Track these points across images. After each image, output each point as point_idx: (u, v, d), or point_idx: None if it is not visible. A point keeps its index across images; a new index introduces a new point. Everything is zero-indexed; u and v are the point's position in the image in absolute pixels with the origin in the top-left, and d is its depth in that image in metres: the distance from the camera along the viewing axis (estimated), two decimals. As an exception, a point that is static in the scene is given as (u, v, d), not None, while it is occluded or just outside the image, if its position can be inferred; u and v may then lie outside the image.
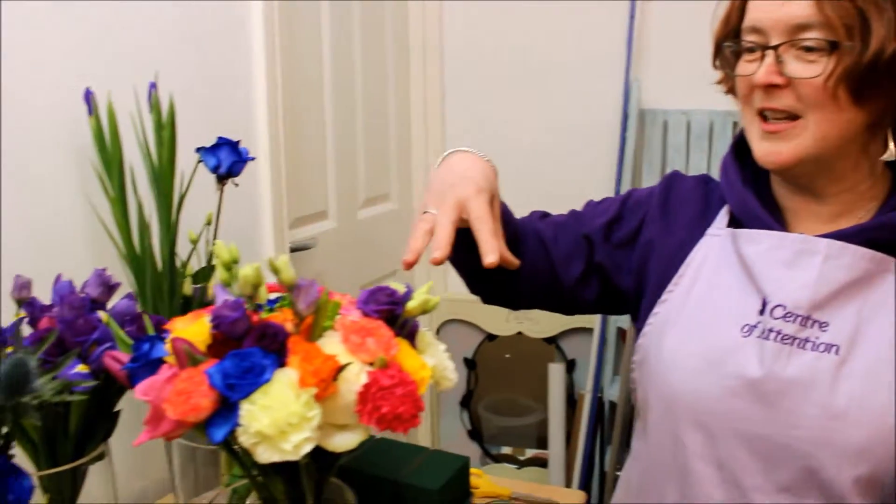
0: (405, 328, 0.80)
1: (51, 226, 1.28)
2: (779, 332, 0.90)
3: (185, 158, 1.27)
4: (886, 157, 0.93)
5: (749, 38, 0.92)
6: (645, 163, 2.59)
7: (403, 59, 2.68)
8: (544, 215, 1.19)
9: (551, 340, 2.79)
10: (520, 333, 2.79)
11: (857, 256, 0.89)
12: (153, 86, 1.25)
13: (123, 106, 1.27)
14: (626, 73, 2.55)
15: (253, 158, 1.24)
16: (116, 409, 1.01)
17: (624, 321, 2.55)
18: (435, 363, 0.80)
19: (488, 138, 2.70)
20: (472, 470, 1.44)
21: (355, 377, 0.71)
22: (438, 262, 0.85)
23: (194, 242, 1.27)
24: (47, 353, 0.88)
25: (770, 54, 0.89)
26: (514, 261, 0.95)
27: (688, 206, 1.08)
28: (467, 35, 2.77)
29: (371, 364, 0.73)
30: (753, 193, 0.98)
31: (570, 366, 2.79)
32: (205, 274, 1.30)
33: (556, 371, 2.69)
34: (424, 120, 2.78)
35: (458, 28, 2.77)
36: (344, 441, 0.72)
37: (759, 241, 0.95)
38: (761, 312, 0.92)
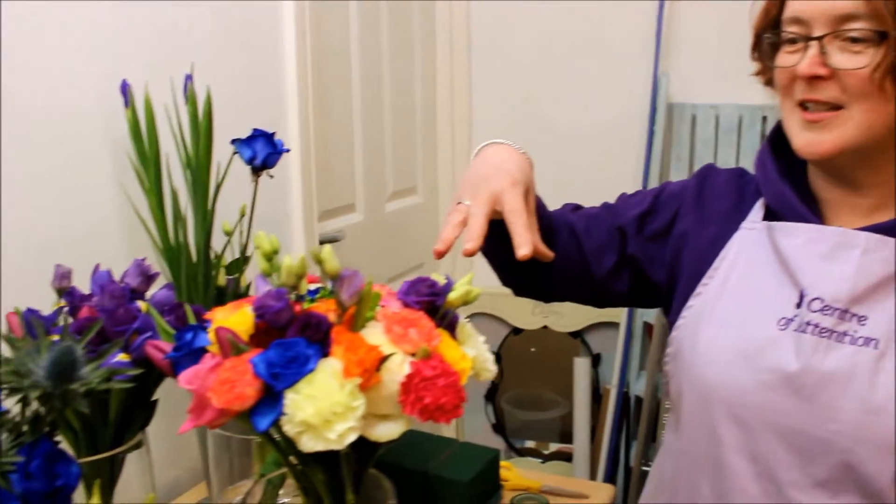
0: (445, 319, 0.80)
1: (86, 217, 1.29)
2: (816, 326, 0.89)
3: (218, 150, 1.28)
4: None
5: (790, 29, 0.91)
6: (673, 157, 2.58)
7: (430, 55, 2.68)
8: (576, 207, 1.19)
9: (577, 334, 2.79)
10: (545, 327, 2.79)
11: None
12: (189, 78, 1.26)
13: (157, 98, 1.28)
14: (655, 66, 2.54)
15: (287, 150, 1.24)
16: (154, 398, 1.03)
17: (650, 315, 2.54)
18: (475, 354, 0.80)
19: (515, 133, 2.69)
20: (502, 463, 1.44)
21: (398, 367, 0.72)
22: (470, 254, 0.86)
23: (229, 234, 1.28)
24: (88, 342, 0.89)
25: (814, 45, 0.88)
26: (549, 253, 0.95)
27: (722, 199, 1.07)
28: (494, 29, 2.76)
29: (413, 355, 0.73)
30: (790, 186, 0.98)
31: (596, 360, 2.79)
32: (238, 265, 1.31)
33: (581, 365, 2.69)
34: (451, 115, 2.78)
35: (485, 22, 2.77)
36: (386, 431, 0.72)
37: (796, 234, 0.94)
38: (798, 305, 0.91)
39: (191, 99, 1.25)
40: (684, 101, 2.55)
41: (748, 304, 0.96)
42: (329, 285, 0.83)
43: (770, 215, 1.00)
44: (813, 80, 0.89)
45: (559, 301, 1.20)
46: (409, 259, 2.59)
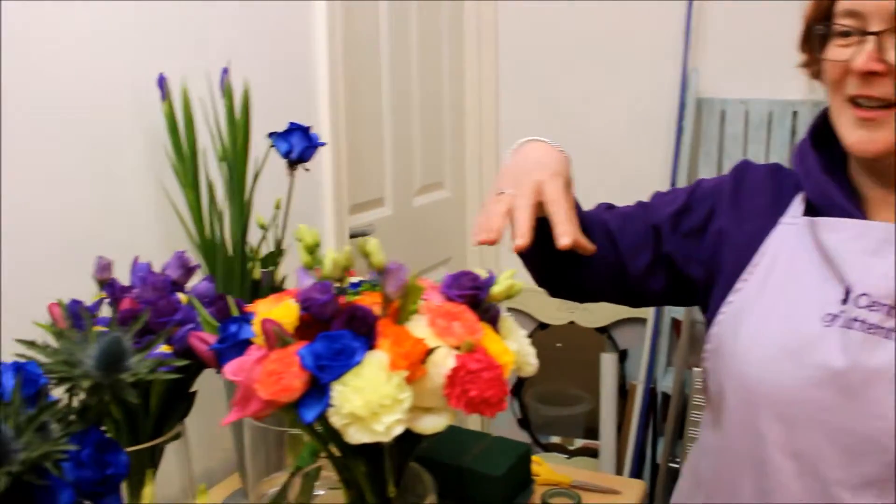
0: (488, 313, 0.80)
1: (121, 210, 1.31)
2: (864, 322, 0.88)
3: (253, 144, 1.29)
4: None
5: (844, 22, 0.90)
6: (702, 153, 2.56)
7: (458, 53, 2.68)
8: (610, 207, 1.19)
9: (603, 330, 2.78)
10: (572, 323, 2.78)
11: None
12: (225, 72, 1.27)
13: (192, 93, 1.29)
14: (684, 61, 2.52)
15: (324, 144, 1.25)
16: (192, 389, 1.03)
17: (678, 312, 2.53)
18: (517, 348, 0.80)
19: (542, 129, 2.67)
20: (532, 458, 1.44)
21: (443, 360, 0.72)
22: (522, 250, 0.86)
23: (264, 227, 1.29)
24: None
25: (871, 40, 0.86)
26: (589, 246, 0.94)
27: (760, 194, 1.06)
28: (522, 26, 2.76)
29: (457, 348, 0.74)
30: (834, 181, 0.97)
31: (622, 356, 2.78)
32: (273, 258, 1.32)
33: (608, 361, 2.69)
34: (479, 111, 2.78)
35: (512, 17, 2.76)
36: (431, 424, 0.73)
37: (840, 230, 0.93)
38: (844, 301, 0.90)
39: (227, 93, 1.25)
40: (713, 96, 2.53)
41: (791, 300, 0.95)
42: (369, 278, 0.84)
43: (810, 210, 0.99)
44: (868, 75, 0.87)
45: (593, 301, 1.19)
46: (436, 254, 2.60)
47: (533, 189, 0.90)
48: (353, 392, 0.68)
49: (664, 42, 2.57)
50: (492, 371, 0.72)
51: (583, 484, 1.46)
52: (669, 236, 1.10)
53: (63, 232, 1.21)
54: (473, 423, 2.82)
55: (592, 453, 2.79)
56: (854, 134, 0.91)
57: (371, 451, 0.78)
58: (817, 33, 0.94)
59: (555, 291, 1.18)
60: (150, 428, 0.99)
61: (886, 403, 0.86)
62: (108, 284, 1.02)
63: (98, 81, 1.25)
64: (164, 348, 0.90)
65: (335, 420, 0.69)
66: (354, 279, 0.90)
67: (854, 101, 0.90)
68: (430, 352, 0.72)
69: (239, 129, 1.23)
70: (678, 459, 2.48)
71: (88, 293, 1.03)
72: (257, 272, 1.29)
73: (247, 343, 0.78)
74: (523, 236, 0.86)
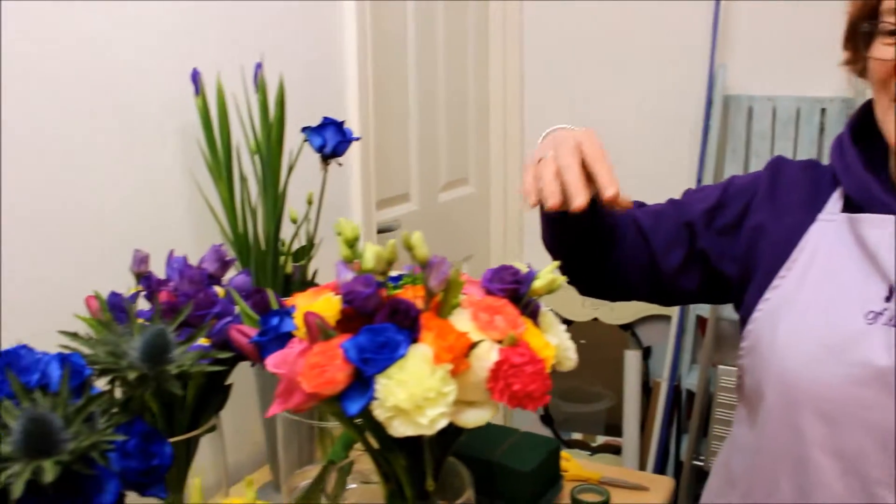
0: (529, 307, 0.80)
1: (154, 203, 1.31)
2: None
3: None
4: None
5: (892, 20, 0.89)
6: (728, 150, 2.55)
7: (483, 50, 2.69)
8: (641, 205, 1.18)
9: (627, 327, 2.77)
10: (595, 319, 2.78)
11: None
12: (259, 66, 1.27)
13: (225, 87, 1.30)
14: (712, 58, 2.50)
15: (358, 138, 1.25)
16: (228, 382, 1.04)
17: (704, 309, 2.52)
18: (557, 343, 0.80)
19: (568, 125, 2.68)
20: (562, 454, 1.44)
21: (486, 354, 0.72)
22: (582, 208, 0.85)
23: (297, 222, 1.29)
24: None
25: None
26: (628, 203, 0.92)
27: (796, 190, 1.05)
28: (547, 21, 2.75)
29: (500, 342, 0.74)
30: (874, 176, 0.96)
31: (646, 353, 2.77)
32: (305, 252, 1.32)
33: (632, 358, 2.68)
34: (503, 108, 2.78)
35: (538, 13, 2.75)
36: (474, 417, 0.73)
37: (883, 226, 0.92)
38: (888, 299, 0.89)
39: (261, 87, 1.26)
40: (741, 93, 2.52)
41: (831, 297, 0.94)
42: (405, 271, 0.84)
43: (849, 206, 0.98)
44: None
45: (625, 300, 1.19)
46: (460, 249, 2.60)
47: (575, 148, 0.89)
48: (398, 385, 0.68)
49: (691, 38, 2.55)
50: (535, 365, 0.72)
51: (611, 480, 1.45)
52: (703, 233, 1.10)
53: (96, 227, 1.22)
54: (495, 419, 2.82)
55: (614, 450, 2.79)
56: None
57: (411, 445, 0.78)
58: (863, 31, 0.93)
59: (585, 290, 1.18)
60: (187, 420, 1.00)
61: None
62: (144, 277, 1.03)
63: (132, 77, 1.25)
64: (202, 341, 0.91)
65: (379, 413, 0.69)
66: (393, 273, 0.90)
67: None
68: (473, 346, 0.72)
69: (274, 124, 1.23)
70: (702, 457, 2.47)
71: (120, 287, 1.03)
72: (289, 266, 1.29)
73: (288, 336, 0.79)
74: (579, 194, 0.85)
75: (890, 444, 0.88)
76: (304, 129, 1.23)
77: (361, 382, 0.71)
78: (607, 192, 0.85)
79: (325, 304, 0.77)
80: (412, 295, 0.76)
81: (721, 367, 2.32)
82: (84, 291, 0.95)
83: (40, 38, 1.12)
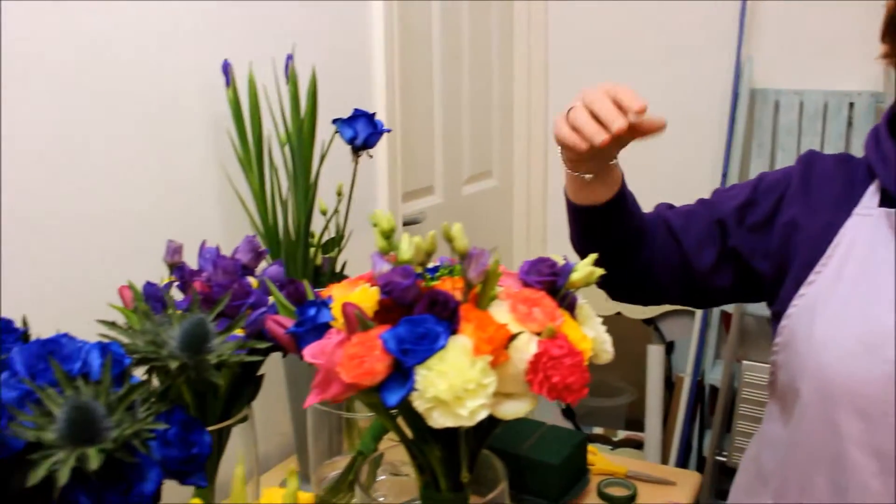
0: (566, 300, 0.80)
1: (183, 194, 1.32)
2: None
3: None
4: None
5: None
6: (754, 144, 2.53)
7: (507, 45, 2.70)
8: (670, 206, 1.17)
9: (650, 322, 2.76)
10: (618, 314, 2.76)
11: None
12: (290, 58, 1.27)
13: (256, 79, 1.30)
14: (738, 51, 2.49)
15: (389, 130, 1.25)
16: (260, 373, 1.04)
17: (728, 305, 2.51)
18: (594, 335, 0.80)
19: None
20: (589, 447, 1.44)
21: (525, 346, 0.72)
22: (622, 131, 0.89)
23: (326, 213, 1.29)
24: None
25: None
26: (662, 122, 0.95)
27: (830, 185, 1.04)
28: (572, 13, 2.74)
29: (538, 334, 0.73)
30: None
31: (669, 348, 2.76)
32: (334, 244, 1.32)
33: (655, 353, 2.67)
34: (527, 102, 2.79)
35: (563, 7, 2.74)
36: (512, 409, 0.73)
37: None
38: None
39: (292, 78, 1.26)
40: (767, 86, 2.50)
41: (868, 293, 0.93)
42: (440, 263, 0.84)
43: (886, 200, 0.97)
44: None
45: (656, 304, 1.18)
46: (483, 242, 2.60)
47: (604, 90, 0.92)
48: (438, 376, 0.68)
49: (718, 31, 2.53)
50: (573, 357, 0.72)
51: (638, 474, 1.45)
52: (735, 230, 1.09)
53: (127, 218, 1.22)
54: (518, 412, 2.82)
55: (636, 445, 2.78)
56: None
57: (446, 437, 0.78)
58: None
59: (615, 293, 1.17)
60: (219, 410, 1.00)
61: None
62: (178, 268, 1.03)
63: (163, 69, 1.26)
64: (237, 331, 0.91)
65: (419, 404, 0.69)
66: (431, 264, 0.90)
67: None
68: (512, 337, 0.72)
69: (306, 115, 1.23)
70: (725, 452, 2.46)
71: (151, 277, 1.04)
72: (319, 258, 1.29)
73: (325, 327, 0.79)
74: (617, 119, 0.90)
75: None
76: (336, 121, 1.23)
77: (400, 373, 0.70)
78: (635, 105, 0.88)
79: (362, 294, 0.77)
80: (450, 286, 0.76)
81: (745, 362, 2.30)
82: (115, 283, 0.95)
83: (72, 31, 1.12)
